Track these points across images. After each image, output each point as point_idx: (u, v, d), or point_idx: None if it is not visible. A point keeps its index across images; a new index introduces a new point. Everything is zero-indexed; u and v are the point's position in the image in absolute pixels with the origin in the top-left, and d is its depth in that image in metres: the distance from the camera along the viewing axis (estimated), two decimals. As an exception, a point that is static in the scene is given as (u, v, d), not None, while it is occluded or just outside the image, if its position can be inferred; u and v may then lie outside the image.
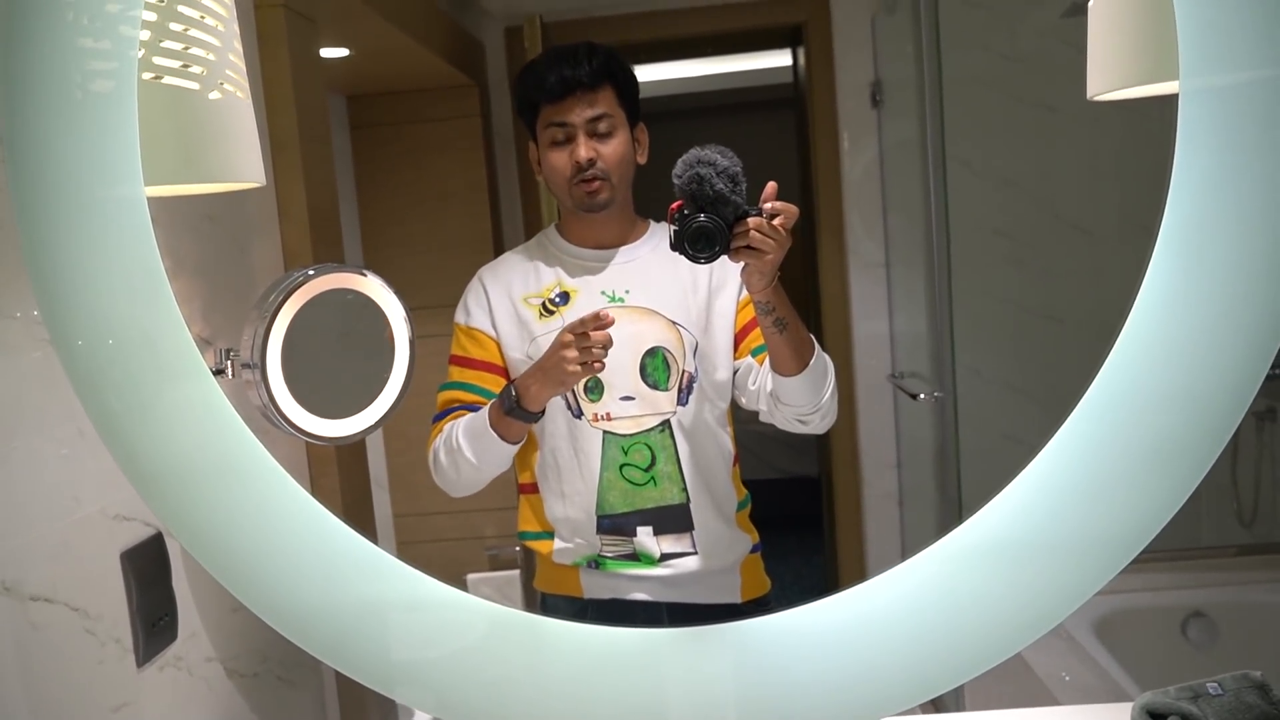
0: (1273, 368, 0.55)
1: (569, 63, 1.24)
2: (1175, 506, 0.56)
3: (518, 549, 2.29)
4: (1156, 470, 0.56)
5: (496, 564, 2.34)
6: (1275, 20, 0.52)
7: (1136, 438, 0.57)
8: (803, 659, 0.61)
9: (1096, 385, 0.57)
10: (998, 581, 0.60)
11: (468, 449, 1.25)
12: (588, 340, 1.13)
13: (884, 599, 0.61)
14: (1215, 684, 0.83)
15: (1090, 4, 0.72)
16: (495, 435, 1.23)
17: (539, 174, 1.31)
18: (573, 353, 1.14)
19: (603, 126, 1.25)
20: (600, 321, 1.13)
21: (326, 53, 1.87)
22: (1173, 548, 1.77)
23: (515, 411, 1.21)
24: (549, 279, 1.30)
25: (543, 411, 1.23)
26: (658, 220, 1.32)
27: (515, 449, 1.26)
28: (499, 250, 1.39)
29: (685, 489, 1.28)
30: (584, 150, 1.24)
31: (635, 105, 1.29)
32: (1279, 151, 0.54)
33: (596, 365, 1.14)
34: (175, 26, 0.67)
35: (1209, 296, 0.56)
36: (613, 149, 1.25)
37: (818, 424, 1.24)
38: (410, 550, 2.41)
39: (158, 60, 0.67)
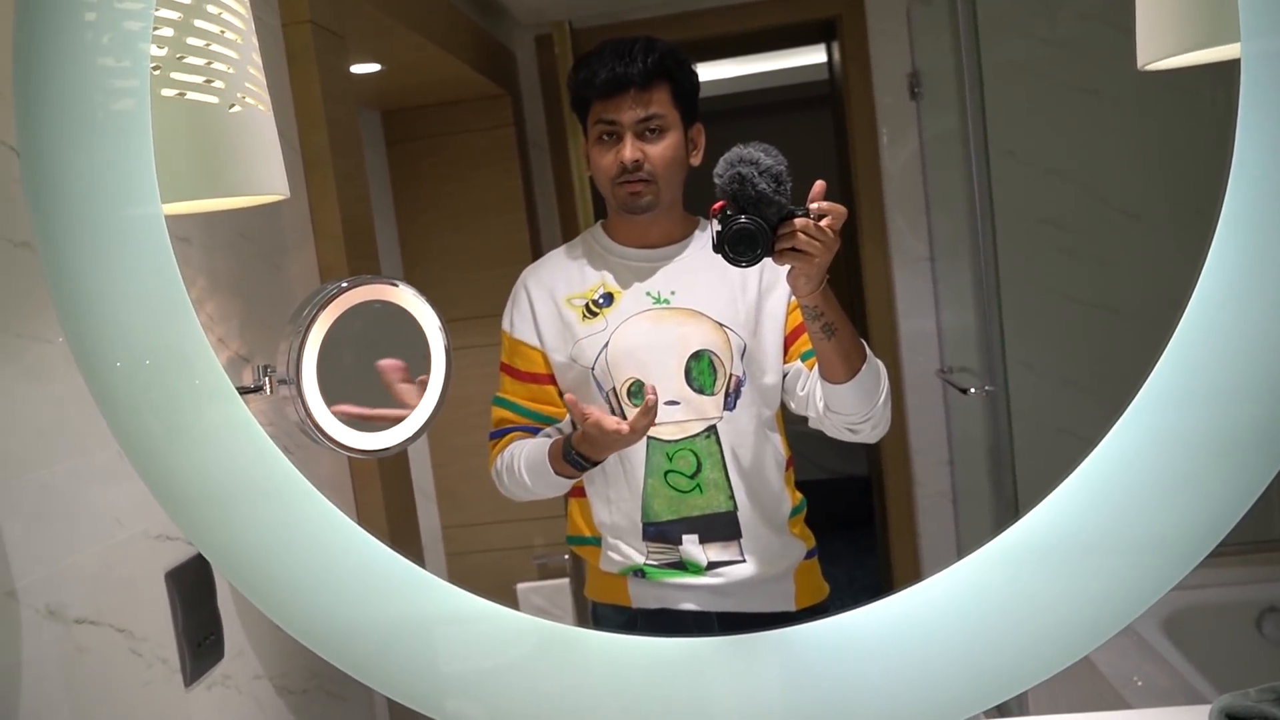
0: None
1: (623, 59, 1.19)
2: (1247, 503, 0.53)
3: (566, 557, 2.28)
4: (1225, 465, 0.53)
5: (545, 573, 2.34)
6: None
7: (1201, 431, 0.53)
8: (854, 666, 0.58)
9: (1156, 377, 0.54)
10: (1060, 582, 0.56)
11: (529, 479, 1.26)
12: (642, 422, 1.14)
13: (939, 601, 0.58)
14: (1298, 685, 0.78)
15: (1136, -30, 0.69)
16: (553, 472, 1.23)
17: (589, 170, 1.29)
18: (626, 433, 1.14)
19: (653, 126, 1.21)
20: (649, 414, 1.13)
21: (358, 68, 1.88)
22: (1243, 540, 1.70)
23: (574, 461, 1.21)
24: (593, 279, 1.28)
25: (602, 460, 1.23)
26: (707, 218, 1.29)
27: (575, 480, 1.26)
28: (537, 259, 1.38)
29: (732, 496, 1.25)
30: (629, 151, 1.20)
31: (692, 104, 1.25)
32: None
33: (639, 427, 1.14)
34: (194, 41, 0.67)
35: (1275, 279, 0.52)
36: (661, 151, 1.22)
37: (869, 433, 1.19)
38: (460, 561, 2.41)
39: (177, 76, 0.66)
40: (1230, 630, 1.60)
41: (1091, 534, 0.56)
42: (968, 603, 0.57)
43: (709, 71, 3.47)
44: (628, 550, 1.28)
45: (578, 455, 1.20)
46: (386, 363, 0.94)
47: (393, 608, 0.65)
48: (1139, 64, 0.68)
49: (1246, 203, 0.52)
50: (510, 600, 2.27)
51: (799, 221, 1.00)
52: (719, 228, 1.00)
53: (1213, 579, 1.57)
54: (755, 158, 0.99)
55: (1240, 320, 0.53)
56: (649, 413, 1.13)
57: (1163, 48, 0.65)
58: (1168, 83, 0.73)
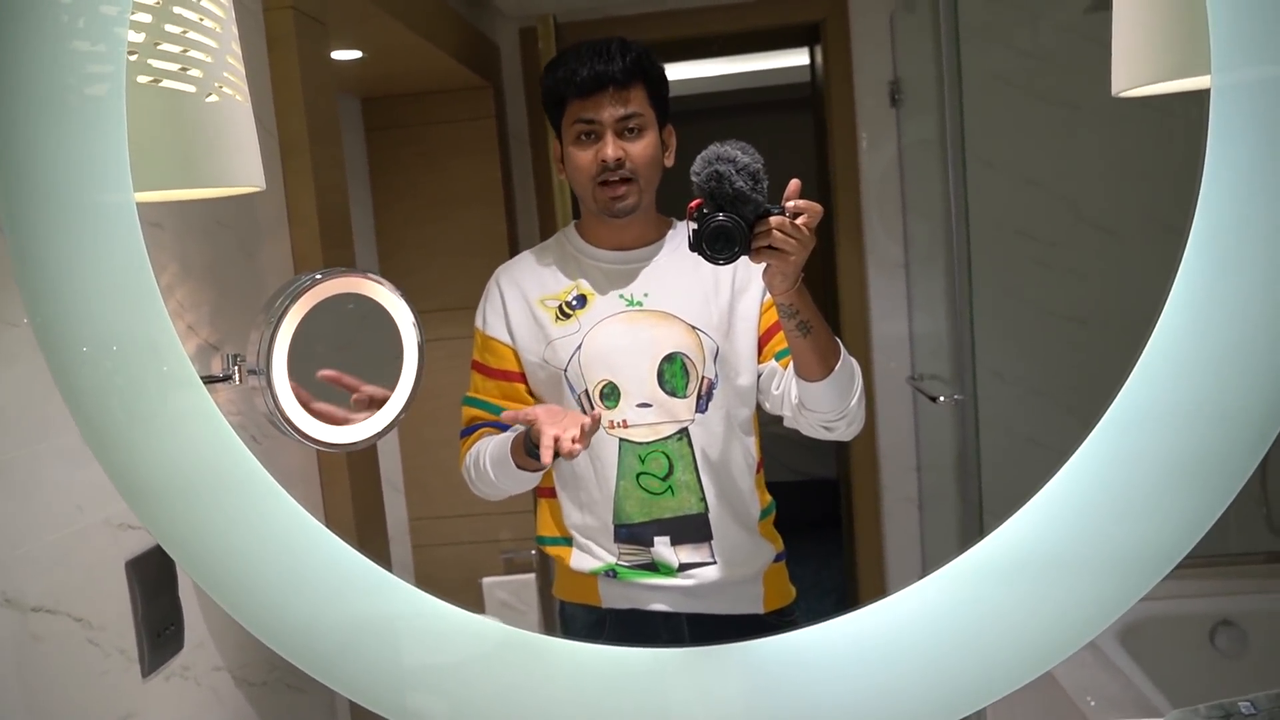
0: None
1: (602, 58, 1.20)
2: (1209, 522, 0.54)
3: (534, 553, 2.28)
4: (1189, 485, 0.54)
5: (512, 568, 2.33)
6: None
7: (1167, 451, 0.54)
8: (818, 680, 0.59)
9: (1124, 396, 0.54)
10: (1024, 600, 0.57)
11: (493, 473, 1.25)
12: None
13: (904, 617, 0.59)
14: (1248, 702, 0.80)
15: (1116, -3, 0.70)
16: (515, 466, 1.23)
17: (560, 172, 1.28)
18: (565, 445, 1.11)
19: (633, 124, 1.21)
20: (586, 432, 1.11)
21: (339, 55, 1.86)
22: (1200, 554, 1.73)
23: (533, 453, 1.20)
24: (566, 281, 1.28)
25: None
26: (681, 219, 1.29)
27: (540, 474, 1.27)
28: (514, 252, 1.37)
29: (704, 498, 1.25)
30: (611, 149, 1.20)
31: (665, 106, 1.26)
32: (1318, 149, 0.52)
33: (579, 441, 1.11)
34: (172, 29, 0.66)
35: (1242, 302, 0.53)
36: (641, 149, 1.22)
37: (844, 431, 1.20)
38: (426, 553, 2.40)
39: (154, 63, 0.65)
40: (1185, 643, 1.62)
41: (1056, 552, 0.57)
42: (933, 619, 0.58)
43: (693, 70, 3.49)
44: (599, 551, 1.28)
45: (536, 446, 1.20)
46: (328, 374, 0.92)
47: (354, 607, 0.64)
48: (1114, 90, 0.69)
49: (1213, 230, 0.53)
50: (476, 594, 2.26)
51: (775, 219, 1.00)
52: (696, 226, 1.00)
53: (1168, 591, 1.59)
54: (733, 156, 0.99)
55: (1205, 344, 0.54)
56: (585, 439, 1.11)
57: (1137, 76, 0.66)
58: (1144, 101, 0.75)
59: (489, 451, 1.26)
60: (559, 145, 1.27)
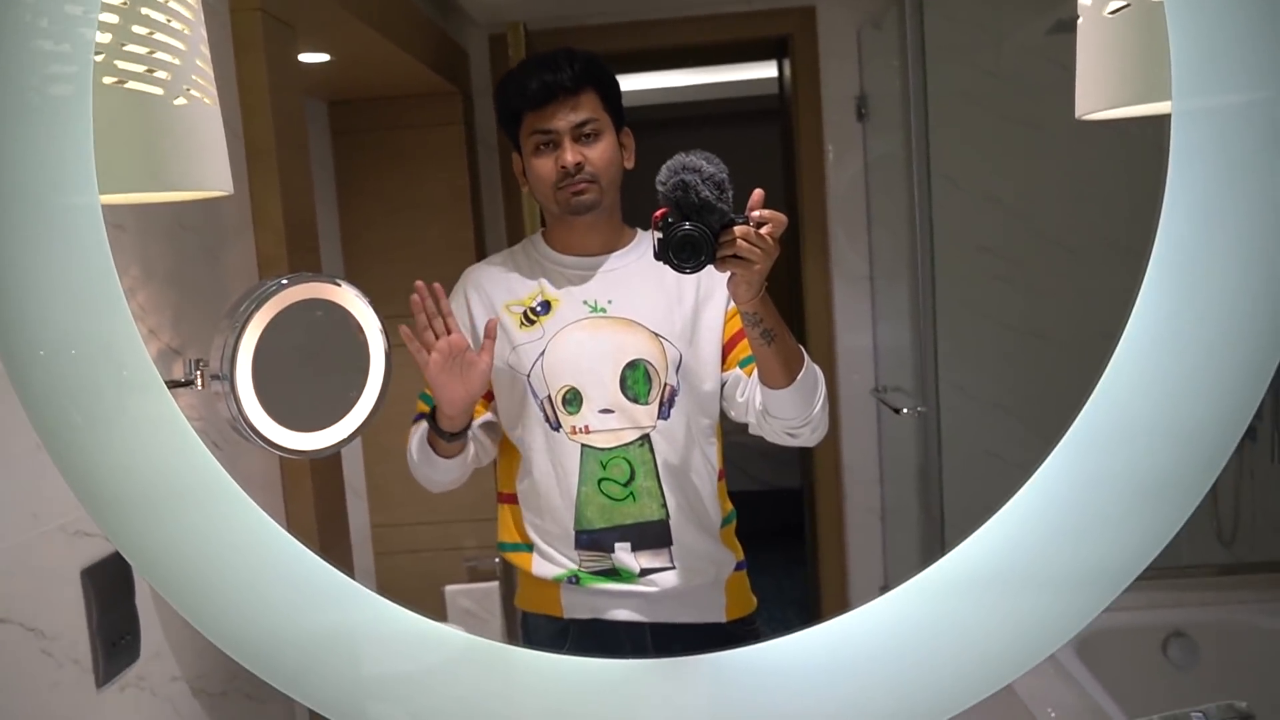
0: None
1: (549, 69, 1.22)
2: (1165, 539, 0.55)
3: (497, 560, 2.26)
4: (1145, 503, 0.55)
5: (476, 575, 2.31)
6: (1271, 40, 0.51)
7: (1126, 470, 0.55)
8: (783, 692, 0.59)
9: (1084, 415, 0.56)
10: (984, 614, 0.58)
11: (418, 460, 1.28)
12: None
13: (867, 631, 0.60)
14: (1200, 713, 0.82)
15: (1079, 22, 0.71)
16: (430, 450, 1.25)
17: (524, 185, 1.30)
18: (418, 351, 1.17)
19: (588, 130, 1.23)
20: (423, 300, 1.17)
21: (307, 58, 1.84)
22: (1153, 566, 1.76)
23: (435, 429, 1.23)
24: (531, 287, 1.29)
25: (461, 432, 1.24)
26: (645, 228, 1.30)
27: (459, 461, 1.27)
28: (481, 259, 1.37)
29: (665, 504, 1.26)
30: (570, 155, 1.22)
31: (619, 109, 1.27)
32: (1272, 175, 0.53)
33: (431, 343, 1.17)
34: (139, 30, 0.65)
35: (1201, 324, 0.55)
36: (599, 152, 1.23)
37: (808, 437, 1.21)
38: (388, 561, 2.37)
39: (120, 64, 0.64)
40: (1139, 653, 1.65)
41: (1016, 568, 0.58)
42: (896, 632, 0.59)
43: (662, 80, 3.50)
44: (560, 558, 1.28)
45: (433, 418, 1.23)
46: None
47: (317, 616, 0.64)
48: (1077, 114, 0.71)
49: (1173, 254, 0.54)
50: (438, 602, 2.24)
51: (740, 229, 1.01)
52: (662, 235, 1.00)
53: (1122, 603, 1.62)
54: (698, 165, 1.00)
55: (1164, 366, 0.55)
56: (488, 350, 1.18)
57: (1099, 101, 0.68)
58: (1104, 124, 0.76)
59: (414, 439, 1.28)
60: (519, 159, 1.28)
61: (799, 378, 1.16)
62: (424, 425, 1.27)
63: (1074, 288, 2.08)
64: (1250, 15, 0.52)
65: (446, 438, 1.23)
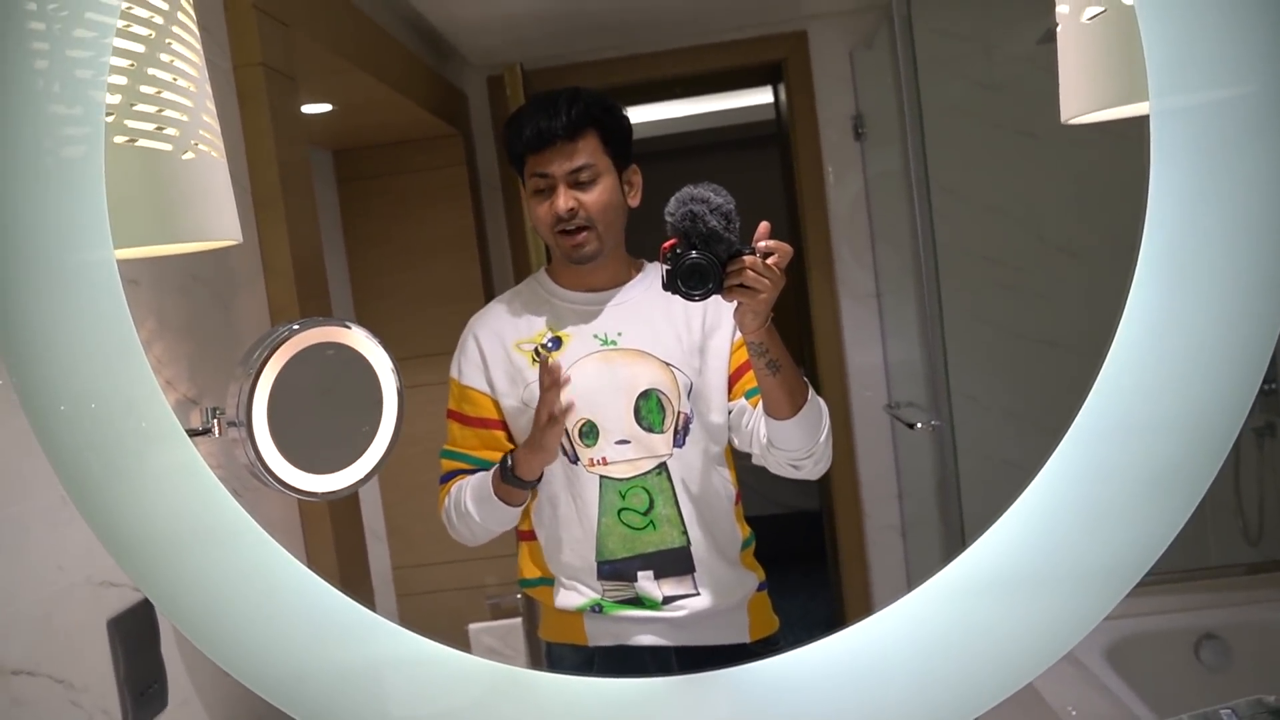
0: (1270, 383, 0.55)
1: (546, 113, 1.22)
2: (1174, 531, 0.55)
3: (519, 596, 2.26)
4: (1152, 496, 0.55)
5: (498, 613, 2.31)
6: (1240, 38, 0.52)
7: (1129, 463, 0.56)
8: (804, 701, 0.59)
9: (1085, 412, 0.56)
10: (1001, 613, 0.58)
11: (475, 513, 1.27)
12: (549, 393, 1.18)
13: (885, 636, 0.60)
14: (1229, 710, 0.81)
15: (1059, 30, 0.73)
16: (498, 500, 1.24)
17: (532, 221, 1.31)
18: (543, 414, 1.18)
19: (584, 176, 1.23)
20: (552, 375, 1.18)
21: (309, 108, 1.88)
22: (1180, 569, 1.75)
23: (510, 479, 1.23)
24: (540, 324, 1.30)
25: (539, 479, 1.25)
26: (651, 260, 1.31)
27: (521, 507, 1.28)
28: (489, 298, 1.39)
29: (685, 531, 1.26)
30: (563, 201, 1.23)
31: (624, 149, 1.27)
32: (1255, 168, 0.54)
33: (557, 412, 1.18)
34: (146, 89, 0.67)
35: (1193, 317, 0.56)
36: (595, 197, 1.24)
37: (811, 469, 1.22)
38: (410, 602, 2.37)
39: (130, 123, 0.67)
40: (1171, 657, 1.64)
41: (1028, 566, 0.58)
42: (913, 637, 0.59)
43: (659, 112, 3.54)
44: (583, 589, 1.28)
45: (512, 470, 1.23)
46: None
47: (344, 652, 0.65)
48: (1063, 118, 0.72)
49: (1162, 248, 0.55)
50: (462, 641, 2.24)
51: (747, 259, 1.03)
52: (670, 265, 1.02)
53: (1152, 607, 1.61)
54: (706, 196, 1.02)
55: (1159, 358, 0.56)
56: (555, 386, 1.19)
57: (1083, 105, 0.69)
58: (1097, 126, 0.78)
59: (469, 488, 1.27)
60: (525, 195, 1.30)
61: (803, 409, 1.16)
62: (476, 480, 1.27)
63: (1079, 292, 2.09)
64: (1222, 11, 0.53)
65: (527, 485, 1.25)
